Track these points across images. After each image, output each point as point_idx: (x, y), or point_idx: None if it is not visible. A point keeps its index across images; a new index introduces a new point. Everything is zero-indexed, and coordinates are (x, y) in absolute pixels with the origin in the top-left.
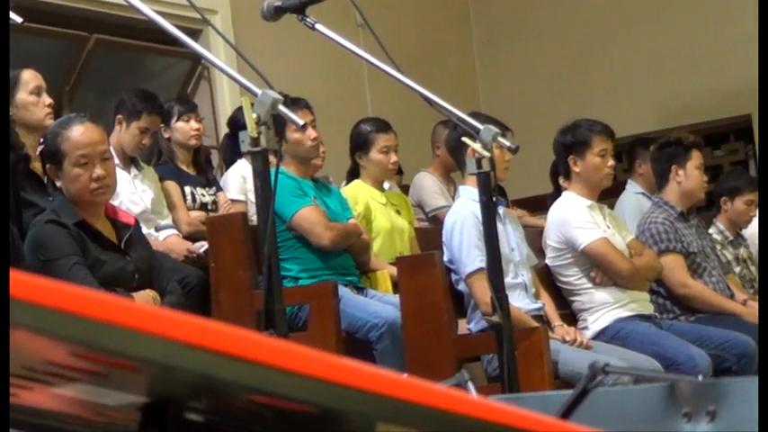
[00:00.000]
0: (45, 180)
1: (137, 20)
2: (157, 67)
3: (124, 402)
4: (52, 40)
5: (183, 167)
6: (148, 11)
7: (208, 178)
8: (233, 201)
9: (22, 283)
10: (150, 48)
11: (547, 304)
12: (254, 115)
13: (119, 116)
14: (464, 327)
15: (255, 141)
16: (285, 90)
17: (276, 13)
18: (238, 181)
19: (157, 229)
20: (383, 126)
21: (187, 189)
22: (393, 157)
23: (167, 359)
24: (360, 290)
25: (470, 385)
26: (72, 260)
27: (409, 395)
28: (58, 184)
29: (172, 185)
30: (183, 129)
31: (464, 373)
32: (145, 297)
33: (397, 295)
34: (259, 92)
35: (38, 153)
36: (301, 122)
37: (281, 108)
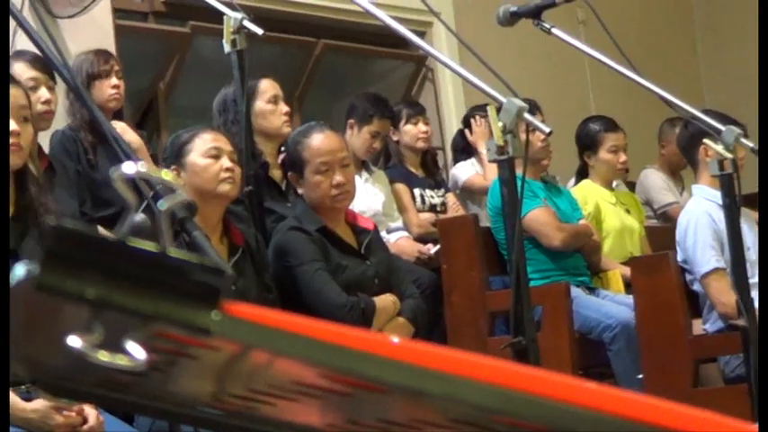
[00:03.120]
0: (283, 187)
1: (363, 24)
2: (383, 70)
3: None
4: (281, 46)
5: (412, 170)
6: (383, 15)
7: (436, 180)
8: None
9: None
10: (376, 51)
11: None
12: (500, 123)
13: (350, 121)
14: (699, 327)
15: (501, 149)
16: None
17: (512, 19)
18: (468, 170)
19: (388, 231)
20: (612, 125)
21: (416, 191)
22: (622, 157)
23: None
24: (591, 290)
25: None
26: (315, 266)
27: None
28: (300, 191)
29: (402, 188)
30: (412, 132)
31: None
32: (385, 301)
33: (629, 296)
34: (504, 100)
35: (279, 161)
36: (548, 130)
37: (527, 116)
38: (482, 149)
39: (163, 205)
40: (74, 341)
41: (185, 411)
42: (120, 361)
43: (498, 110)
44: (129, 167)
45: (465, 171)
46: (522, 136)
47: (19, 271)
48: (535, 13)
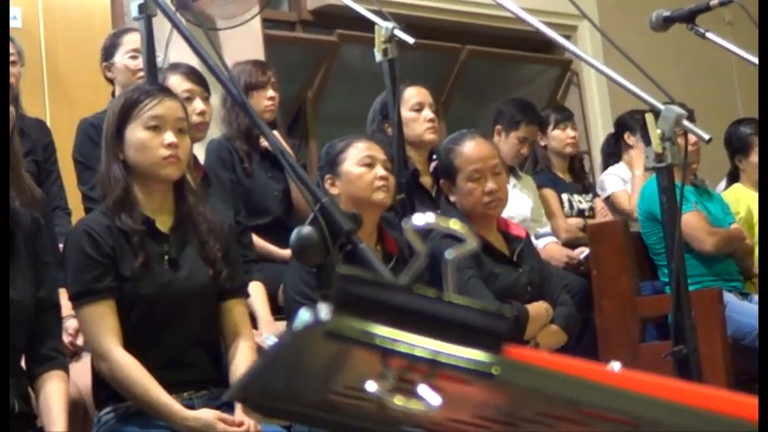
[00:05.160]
0: (433, 194)
1: (507, 29)
2: (527, 75)
3: None
4: (427, 53)
5: (560, 175)
6: (533, 19)
7: (584, 185)
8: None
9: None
10: (520, 56)
11: None
12: (659, 131)
13: (497, 126)
14: None
15: (660, 157)
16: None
17: (665, 23)
18: (617, 183)
19: (537, 237)
20: None
21: (564, 196)
22: None
23: None
24: (744, 296)
25: None
26: (468, 273)
27: None
28: (452, 198)
29: (550, 193)
30: (559, 137)
31: None
32: (538, 309)
33: None
34: (661, 106)
35: (431, 169)
36: (707, 137)
37: (686, 123)
38: (637, 171)
39: (450, 254)
40: (371, 386)
41: (385, 430)
42: (416, 406)
43: (656, 116)
44: (419, 219)
45: (613, 184)
46: (680, 142)
47: (305, 316)
48: (689, 18)
